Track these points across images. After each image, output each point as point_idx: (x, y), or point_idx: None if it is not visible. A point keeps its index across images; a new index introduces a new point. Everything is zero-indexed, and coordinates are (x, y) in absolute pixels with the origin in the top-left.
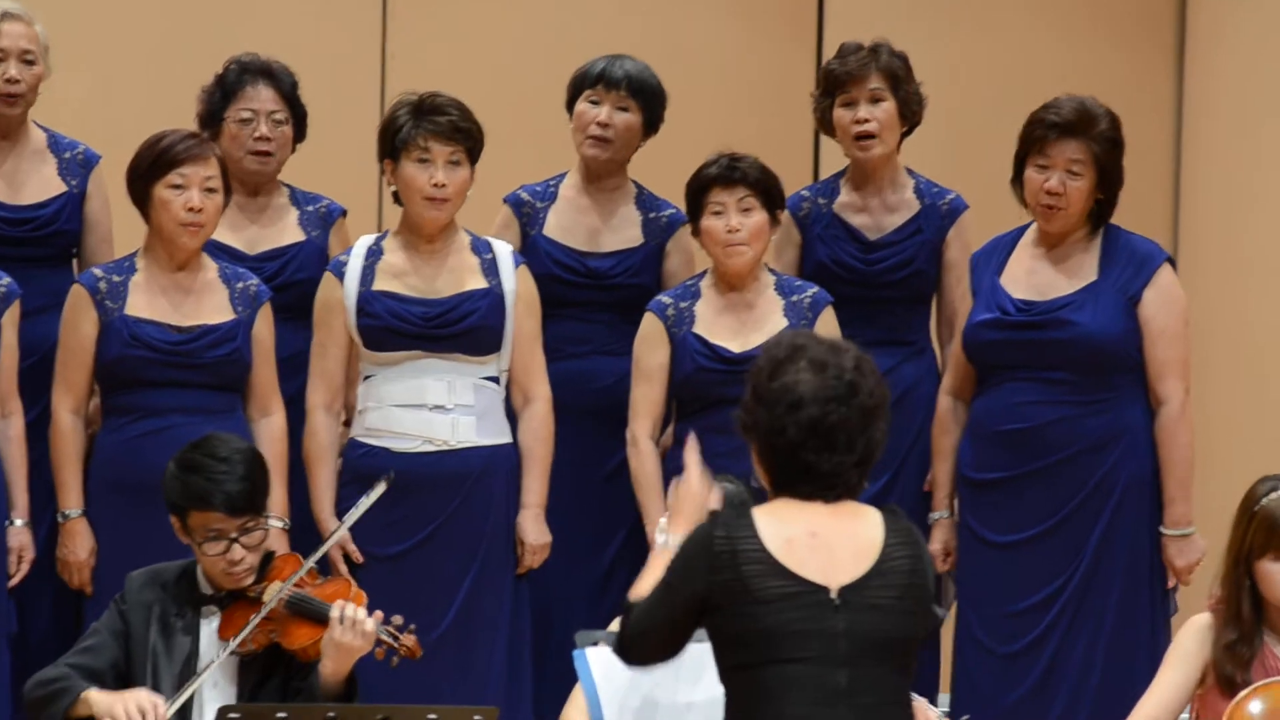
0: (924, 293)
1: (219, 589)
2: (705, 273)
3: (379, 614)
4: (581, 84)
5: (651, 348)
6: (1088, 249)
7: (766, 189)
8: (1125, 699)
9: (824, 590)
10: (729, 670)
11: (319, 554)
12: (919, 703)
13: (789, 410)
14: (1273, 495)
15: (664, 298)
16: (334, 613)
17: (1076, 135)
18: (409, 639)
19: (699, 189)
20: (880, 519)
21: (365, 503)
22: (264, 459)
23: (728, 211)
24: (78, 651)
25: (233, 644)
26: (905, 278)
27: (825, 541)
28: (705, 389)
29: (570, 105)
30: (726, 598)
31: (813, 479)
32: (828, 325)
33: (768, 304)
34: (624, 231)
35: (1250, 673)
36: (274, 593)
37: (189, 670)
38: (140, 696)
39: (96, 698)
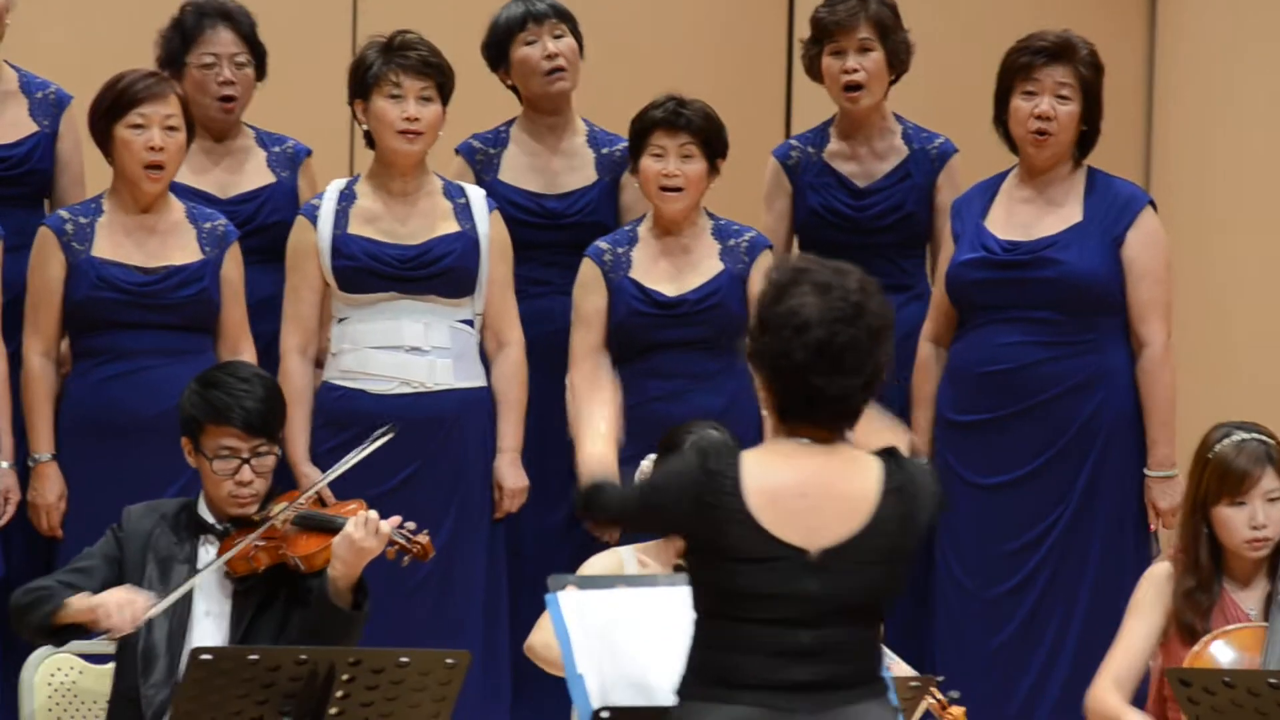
0: (917, 236)
1: (221, 518)
2: (644, 218)
3: (395, 518)
4: (509, 31)
5: (588, 293)
6: (1071, 189)
7: (709, 138)
8: (1108, 642)
9: (802, 553)
10: (698, 611)
11: (313, 489)
12: (887, 656)
13: (795, 333)
14: (1225, 441)
15: (601, 243)
16: (353, 515)
17: (1063, 60)
18: (422, 537)
19: (642, 130)
20: (880, 471)
21: (363, 452)
22: (280, 390)
23: (667, 156)
24: (69, 570)
25: (230, 554)
26: (897, 222)
27: (813, 503)
28: (639, 333)
29: (496, 61)
30: (702, 545)
31: (820, 403)
32: (764, 269)
33: (704, 248)
34: (578, 170)
35: (1210, 621)
36: (279, 510)
37: (187, 599)
38: (123, 592)
39: (76, 601)
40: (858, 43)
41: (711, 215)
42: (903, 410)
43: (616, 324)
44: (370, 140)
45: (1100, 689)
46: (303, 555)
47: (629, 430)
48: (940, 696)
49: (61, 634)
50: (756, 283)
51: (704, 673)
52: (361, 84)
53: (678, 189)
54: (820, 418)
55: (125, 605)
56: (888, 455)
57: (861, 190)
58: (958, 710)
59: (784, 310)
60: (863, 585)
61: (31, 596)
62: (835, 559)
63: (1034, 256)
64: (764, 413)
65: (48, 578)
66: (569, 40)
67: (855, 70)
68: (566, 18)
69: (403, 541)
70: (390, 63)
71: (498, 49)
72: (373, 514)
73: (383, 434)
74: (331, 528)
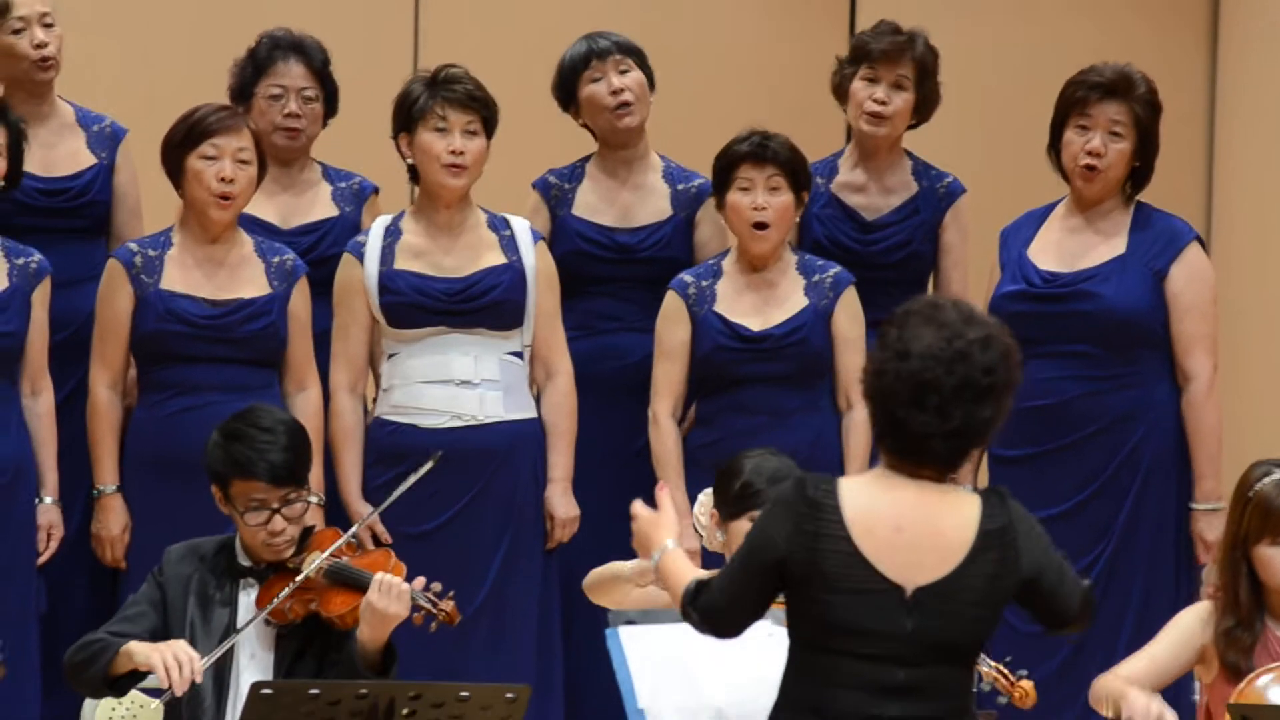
0: (920, 274)
1: (258, 562)
2: (728, 251)
3: (420, 580)
4: (574, 72)
5: (672, 326)
6: (1119, 221)
7: (795, 170)
8: None
9: (899, 590)
10: (794, 641)
11: (361, 524)
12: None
13: (895, 358)
14: (1266, 480)
15: (685, 276)
16: (373, 579)
17: (1119, 97)
18: (448, 604)
19: (728, 164)
20: (977, 512)
21: (412, 478)
22: (307, 431)
23: (755, 189)
24: (117, 620)
25: (270, 606)
26: (902, 259)
27: (910, 540)
28: (724, 368)
29: (567, 101)
30: (801, 575)
31: (900, 437)
32: (849, 305)
33: (789, 283)
34: (652, 205)
35: (1253, 658)
36: (312, 561)
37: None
38: (177, 647)
39: (136, 647)
40: (895, 77)
41: (795, 250)
42: None
43: (701, 358)
44: (414, 175)
45: (1108, 675)
46: (335, 615)
47: (711, 464)
48: (1010, 675)
49: (119, 684)
50: (841, 319)
51: (799, 702)
52: (407, 118)
53: (766, 223)
54: (904, 451)
55: (180, 665)
56: (989, 493)
57: (869, 224)
58: (1027, 684)
59: (896, 335)
60: (957, 626)
61: (85, 653)
62: (930, 598)
63: (1072, 289)
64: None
65: (98, 631)
66: (636, 75)
67: (885, 103)
68: (632, 52)
69: (428, 606)
70: (436, 96)
71: (566, 89)
72: (391, 578)
73: (430, 462)
74: (362, 585)
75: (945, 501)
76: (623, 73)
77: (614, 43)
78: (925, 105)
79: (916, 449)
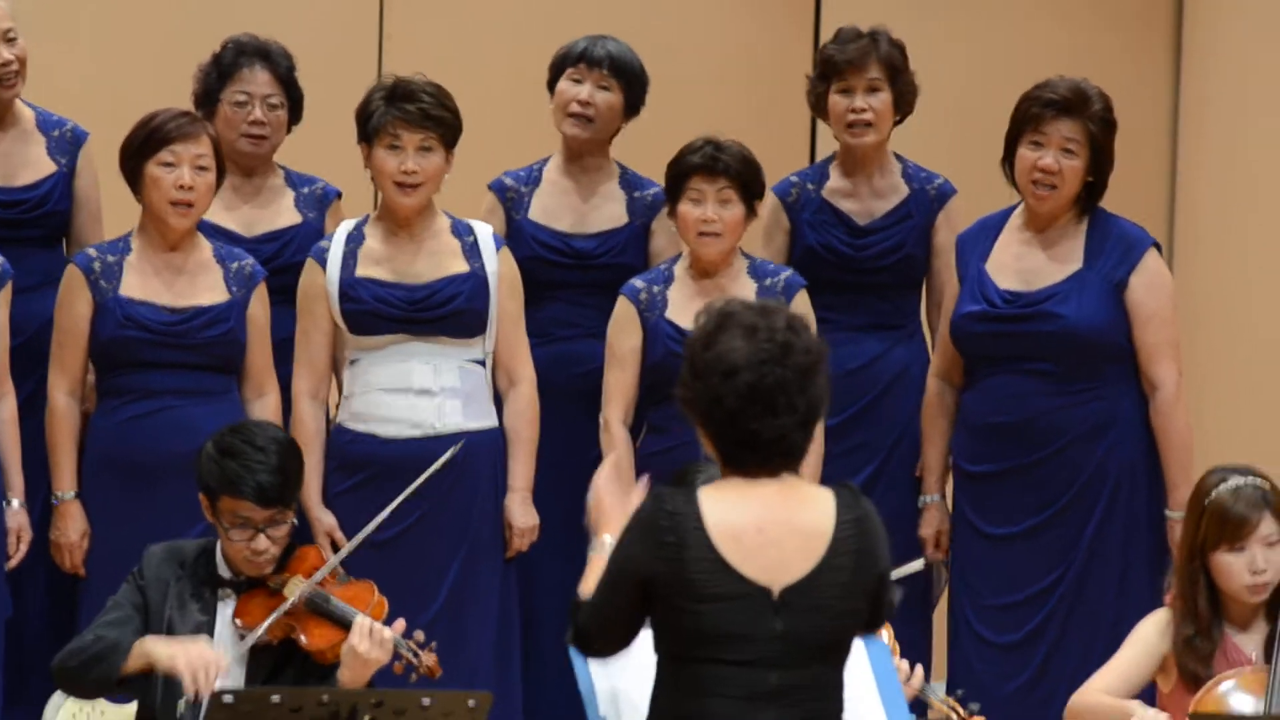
0: (914, 277)
1: (238, 574)
2: (679, 257)
3: (400, 624)
4: (563, 63)
5: (624, 332)
6: (1075, 234)
7: (747, 182)
8: None
9: (766, 592)
10: (661, 656)
11: (345, 553)
12: (903, 665)
13: (724, 379)
14: (1222, 487)
15: (637, 282)
16: (355, 622)
17: (1073, 114)
18: (429, 657)
19: (680, 174)
20: (832, 504)
21: (399, 499)
22: (299, 451)
23: (705, 201)
24: (104, 624)
25: (251, 638)
26: (895, 263)
27: (772, 537)
28: (676, 374)
29: (552, 85)
30: (668, 587)
31: (757, 446)
32: (801, 309)
33: (740, 289)
34: (608, 211)
35: (1212, 666)
36: (295, 588)
37: None
38: (203, 649)
39: (155, 647)
40: (867, 82)
41: (746, 255)
42: (896, 443)
43: (652, 365)
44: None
45: (1087, 691)
46: (314, 649)
47: (666, 472)
48: (961, 710)
49: (125, 685)
50: None
51: (672, 717)
52: (364, 131)
53: (715, 234)
54: (760, 460)
55: (205, 667)
56: (841, 487)
57: (861, 228)
58: None
59: (712, 356)
60: (825, 623)
61: (86, 655)
62: (797, 596)
63: (1034, 310)
64: (707, 454)
65: (86, 633)
66: (611, 97)
67: (863, 110)
68: (623, 74)
69: (409, 657)
70: (390, 113)
71: (553, 74)
72: (377, 625)
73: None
74: (343, 622)
75: (802, 497)
76: (601, 89)
77: (610, 56)
78: (903, 101)
79: (775, 450)
